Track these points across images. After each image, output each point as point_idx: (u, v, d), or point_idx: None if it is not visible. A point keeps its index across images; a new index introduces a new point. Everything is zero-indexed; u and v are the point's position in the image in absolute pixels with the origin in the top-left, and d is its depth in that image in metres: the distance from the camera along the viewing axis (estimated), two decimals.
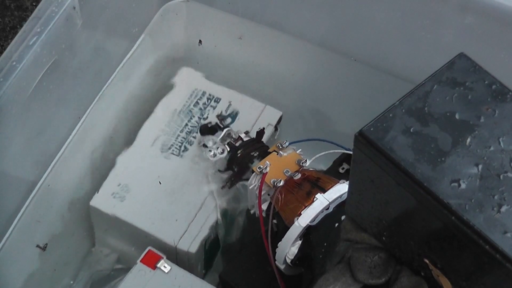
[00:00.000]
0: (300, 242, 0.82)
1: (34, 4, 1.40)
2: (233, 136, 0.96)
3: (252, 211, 0.90)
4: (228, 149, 0.95)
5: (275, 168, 0.86)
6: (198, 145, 0.99)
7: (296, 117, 1.08)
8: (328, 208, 0.81)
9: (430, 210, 0.61)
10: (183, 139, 1.00)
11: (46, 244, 0.92)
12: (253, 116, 1.02)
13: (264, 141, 0.97)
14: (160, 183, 0.97)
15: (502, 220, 0.58)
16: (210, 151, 0.95)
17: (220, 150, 0.95)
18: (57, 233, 0.97)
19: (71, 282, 1.02)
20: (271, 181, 0.85)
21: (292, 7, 1.02)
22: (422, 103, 0.63)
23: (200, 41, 1.08)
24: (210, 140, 0.96)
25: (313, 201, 0.81)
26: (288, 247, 0.81)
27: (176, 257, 0.93)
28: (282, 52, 1.07)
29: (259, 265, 0.89)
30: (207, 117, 1.02)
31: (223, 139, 0.96)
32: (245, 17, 1.05)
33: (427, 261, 0.66)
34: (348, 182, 0.73)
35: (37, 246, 0.92)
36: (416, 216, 0.64)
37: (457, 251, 0.61)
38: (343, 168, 0.91)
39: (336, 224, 0.77)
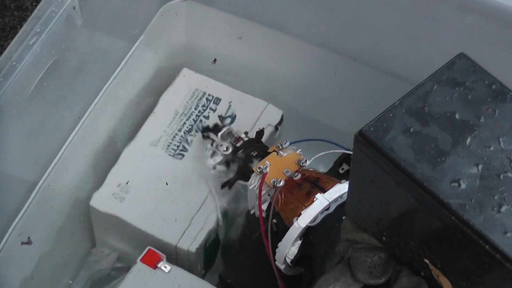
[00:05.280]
0: (300, 242, 0.82)
1: (34, 4, 1.40)
2: (234, 135, 0.96)
3: (252, 211, 0.90)
4: (231, 149, 0.95)
5: (275, 168, 0.86)
6: (201, 143, 0.98)
7: (296, 117, 1.08)
8: (328, 208, 0.81)
9: (430, 210, 0.61)
10: (183, 139, 1.00)
11: (29, 237, 0.92)
12: (253, 116, 1.02)
13: (264, 141, 0.97)
14: (166, 184, 0.96)
15: (502, 220, 0.58)
16: (215, 151, 0.95)
17: (224, 147, 0.95)
18: (57, 233, 0.97)
19: (71, 282, 1.02)
20: (271, 181, 0.85)
21: (292, 7, 1.02)
22: (422, 103, 0.63)
23: (215, 60, 1.09)
24: (213, 138, 0.96)
25: (313, 201, 0.81)
26: (288, 247, 0.81)
27: (176, 257, 0.93)
28: (282, 52, 1.07)
29: (259, 265, 0.89)
30: (207, 117, 1.02)
31: (223, 138, 0.96)
32: (245, 17, 1.05)
33: (427, 261, 0.66)
34: (348, 182, 0.73)
35: (22, 243, 0.92)
36: (416, 216, 0.64)
37: (457, 251, 0.61)
38: (342, 169, 0.91)
39: (337, 224, 0.77)
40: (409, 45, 0.97)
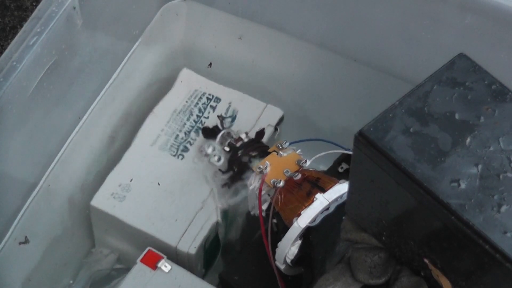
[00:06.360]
0: (300, 242, 0.82)
1: (34, 4, 1.40)
2: (233, 136, 0.96)
3: (252, 211, 0.90)
4: (231, 149, 0.95)
5: (275, 168, 0.86)
6: (200, 152, 0.98)
7: (296, 117, 1.08)
8: (328, 208, 0.81)
9: (430, 210, 0.61)
10: (183, 139, 1.00)
11: (26, 236, 0.92)
12: (253, 116, 1.02)
13: (264, 141, 0.97)
14: (159, 184, 0.96)
15: (502, 220, 0.58)
16: (214, 156, 0.95)
17: (216, 158, 0.95)
18: (57, 233, 0.97)
19: (71, 282, 1.02)
20: (271, 181, 0.85)
21: (292, 7, 1.02)
22: (422, 103, 0.63)
23: (210, 63, 1.09)
24: (210, 147, 0.96)
25: (313, 201, 0.81)
26: (288, 247, 0.81)
27: (176, 257, 0.93)
28: (282, 52, 1.07)
29: (259, 265, 0.89)
30: (207, 117, 1.02)
31: (223, 139, 0.96)
32: (245, 17, 1.05)
33: (427, 261, 0.66)
34: (348, 181, 0.73)
35: (20, 243, 0.92)
36: (416, 216, 0.64)
37: (457, 251, 0.61)
38: (342, 168, 0.91)
39: (337, 224, 0.77)
40: (409, 45, 0.97)
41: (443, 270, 0.65)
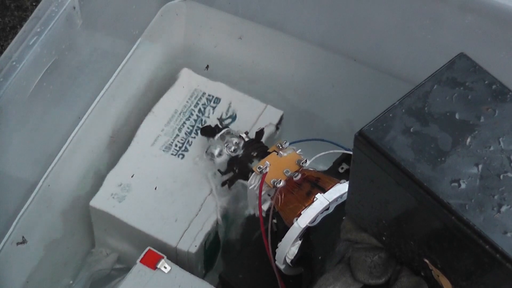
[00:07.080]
0: (300, 242, 0.82)
1: (34, 4, 1.40)
2: (233, 136, 0.96)
3: (252, 211, 0.90)
4: (235, 149, 0.95)
5: (275, 168, 0.86)
6: (201, 143, 0.98)
7: (296, 117, 1.08)
8: (328, 208, 0.81)
9: (430, 210, 0.61)
10: (183, 139, 1.00)
11: (23, 236, 0.92)
12: (253, 116, 1.02)
13: (264, 141, 0.97)
14: (155, 188, 0.96)
15: (502, 220, 0.58)
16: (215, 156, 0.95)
17: (229, 147, 0.95)
18: (57, 233, 0.97)
19: (71, 282, 1.02)
20: (271, 181, 0.85)
21: (292, 7, 1.02)
22: (422, 103, 0.63)
23: (207, 66, 1.08)
24: (211, 147, 0.96)
25: (313, 201, 0.81)
26: (288, 247, 0.81)
27: (176, 257, 0.93)
28: (282, 52, 1.07)
29: (259, 265, 0.89)
30: (207, 117, 1.02)
31: (222, 139, 0.96)
32: (245, 17, 1.05)
33: (427, 261, 0.66)
34: (348, 181, 0.73)
35: (17, 243, 0.91)
36: (416, 216, 0.64)
37: (457, 251, 0.61)
38: (342, 168, 0.91)
39: (337, 224, 0.77)
40: (409, 45, 0.97)
41: (443, 270, 0.65)
